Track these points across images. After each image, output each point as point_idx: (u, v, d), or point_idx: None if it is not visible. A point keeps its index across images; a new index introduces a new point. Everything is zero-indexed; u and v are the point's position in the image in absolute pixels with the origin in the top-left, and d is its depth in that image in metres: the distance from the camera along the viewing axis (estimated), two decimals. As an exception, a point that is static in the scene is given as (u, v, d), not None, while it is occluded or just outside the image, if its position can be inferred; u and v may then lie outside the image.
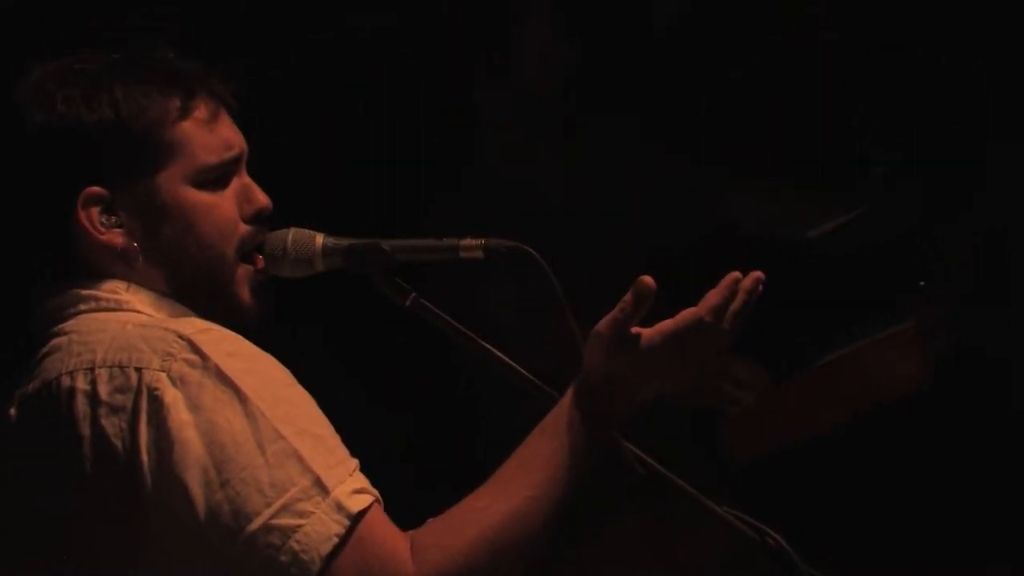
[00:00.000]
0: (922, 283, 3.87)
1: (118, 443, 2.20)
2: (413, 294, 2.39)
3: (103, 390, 2.22)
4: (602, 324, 2.27)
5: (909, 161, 3.98)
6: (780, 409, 3.92)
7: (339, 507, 2.17)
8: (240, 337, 2.28)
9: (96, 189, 2.33)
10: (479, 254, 2.39)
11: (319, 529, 2.16)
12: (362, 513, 2.18)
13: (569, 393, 2.29)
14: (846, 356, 3.85)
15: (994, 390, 3.97)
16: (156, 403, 2.19)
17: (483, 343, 2.38)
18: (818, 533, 2.90)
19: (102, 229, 2.34)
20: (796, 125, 4.17)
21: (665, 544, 3.98)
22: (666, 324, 2.27)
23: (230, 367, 2.21)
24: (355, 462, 2.23)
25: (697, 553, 3.95)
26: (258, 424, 2.18)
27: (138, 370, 2.22)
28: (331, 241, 2.42)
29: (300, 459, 2.18)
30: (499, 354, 2.37)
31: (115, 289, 2.34)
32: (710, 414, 3.97)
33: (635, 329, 2.26)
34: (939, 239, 3.94)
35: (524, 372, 2.38)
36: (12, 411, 2.32)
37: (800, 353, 3.92)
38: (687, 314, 2.27)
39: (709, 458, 3.89)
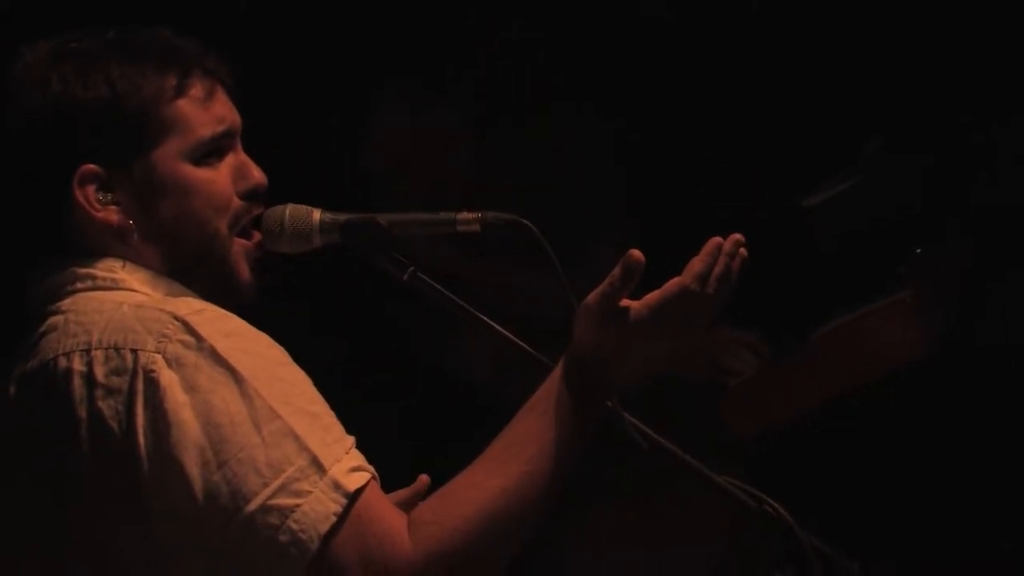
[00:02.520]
0: (919, 251, 3.88)
1: (115, 425, 2.20)
2: (411, 268, 2.39)
3: (99, 372, 2.22)
4: (591, 297, 2.28)
5: (905, 140, 3.99)
6: (780, 381, 3.93)
7: (336, 486, 2.17)
8: (235, 316, 2.28)
9: (92, 167, 2.33)
10: (476, 227, 2.39)
11: (317, 508, 2.16)
12: (359, 491, 2.18)
13: (559, 367, 2.29)
14: (845, 326, 3.85)
15: (994, 361, 3.99)
16: (152, 385, 2.19)
17: (481, 316, 2.38)
18: (820, 507, 2.90)
19: (98, 207, 2.34)
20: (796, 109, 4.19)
21: (647, 531, 4.00)
22: (652, 296, 2.27)
23: (225, 347, 2.21)
24: (351, 439, 2.23)
25: (681, 540, 3.97)
26: (254, 404, 2.18)
27: (134, 352, 2.22)
28: (328, 216, 2.41)
29: (296, 438, 2.18)
30: (496, 326, 2.38)
31: (111, 268, 2.34)
32: (710, 387, 3.98)
33: (624, 302, 2.27)
34: (938, 209, 3.95)
35: (522, 344, 2.38)
36: (11, 389, 2.32)
37: (799, 324, 3.93)
38: (672, 284, 2.28)
39: (709, 431, 3.90)
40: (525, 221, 2.35)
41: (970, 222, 3.94)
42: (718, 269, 2.28)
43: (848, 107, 4.11)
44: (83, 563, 2.25)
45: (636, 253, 2.25)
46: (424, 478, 2.44)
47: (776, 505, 2.30)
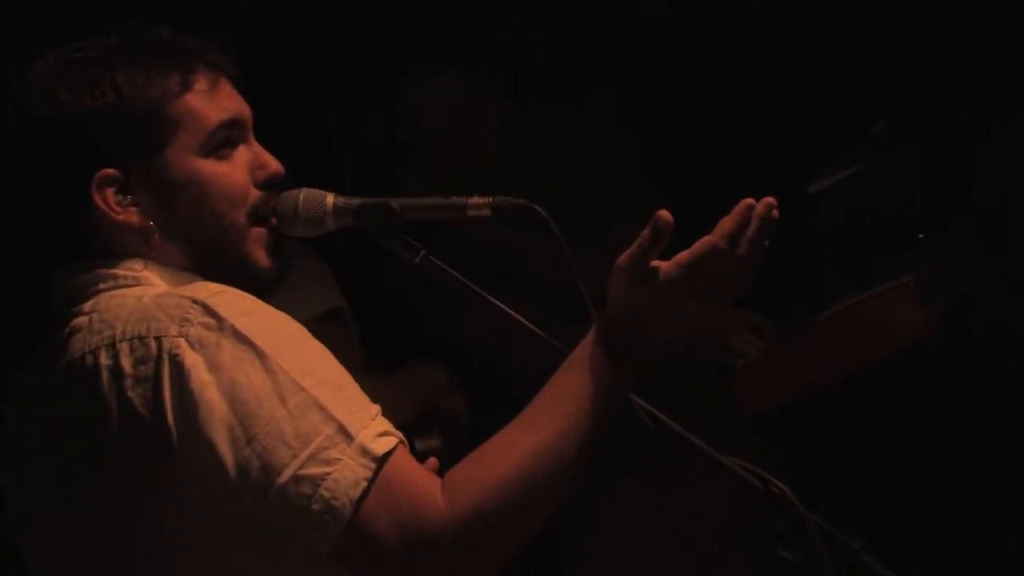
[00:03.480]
0: (922, 236, 3.90)
1: (145, 412, 2.23)
2: (423, 252, 2.42)
3: (126, 363, 2.26)
4: (622, 259, 2.28)
5: (907, 126, 4.01)
6: (786, 362, 3.95)
7: (364, 451, 2.20)
8: (252, 296, 2.31)
9: (109, 171, 2.36)
10: (487, 212, 2.41)
11: (347, 475, 2.19)
12: (387, 455, 2.20)
13: (594, 328, 2.30)
14: (849, 309, 3.86)
15: (997, 343, 4.01)
16: (177, 368, 2.23)
17: (492, 299, 2.41)
18: (825, 488, 2.93)
19: (118, 209, 2.37)
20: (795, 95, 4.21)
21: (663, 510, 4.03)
22: (683, 254, 2.27)
23: (245, 325, 2.24)
24: (376, 407, 2.26)
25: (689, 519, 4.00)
26: (278, 378, 2.21)
27: (157, 339, 2.25)
28: (342, 201, 2.44)
29: (322, 408, 2.21)
30: (508, 309, 2.40)
31: (132, 267, 2.38)
32: (718, 367, 4.01)
33: (654, 262, 2.27)
34: (940, 195, 3.97)
35: (533, 327, 2.40)
36: (40, 390, 2.36)
37: (805, 306, 3.95)
38: (701, 242, 2.27)
39: (717, 411, 3.93)
40: (535, 206, 2.37)
41: (972, 209, 3.96)
42: (751, 232, 2.27)
43: (850, 99, 4.13)
44: (118, 556, 2.29)
45: (664, 214, 2.25)
46: None
47: (781, 485, 2.31)
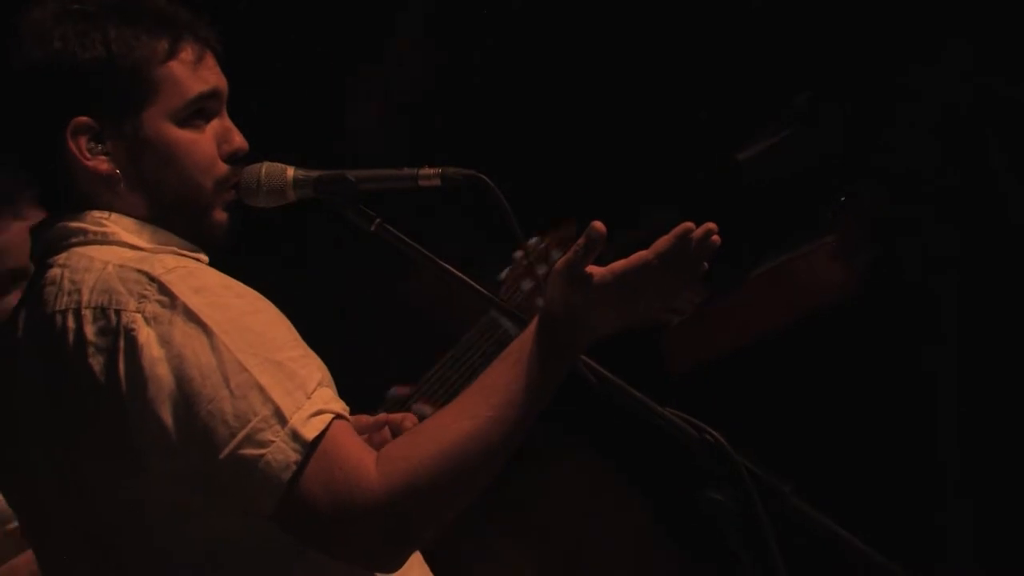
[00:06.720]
0: (843, 198, 4.02)
1: (103, 380, 2.37)
2: (378, 220, 2.52)
3: (89, 331, 2.39)
4: (560, 262, 2.37)
5: (828, 92, 4.12)
6: (717, 319, 4.06)
7: (295, 436, 2.31)
8: (208, 270, 2.43)
9: (85, 119, 2.48)
10: (437, 182, 2.51)
11: (279, 458, 2.30)
12: (319, 438, 2.31)
13: (532, 324, 2.39)
14: (775, 268, 3.98)
15: (915, 301, 4.15)
16: (132, 342, 2.35)
17: (445, 265, 2.50)
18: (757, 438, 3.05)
19: (89, 156, 2.49)
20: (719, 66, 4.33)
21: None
22: (618, 264, 2.35)
23: (196, 304, 2.36)
24: (316, 380, 2.36)
25: None
26: (223, 357, 2.33)
27: (117, 312, 2.38)
28: (301, 173, 2.56)
29: (261, 390, 2.32)
30: (461, 275, 2.50)
31: (99, 220, 2.49)
32: (652, 326, 4.13)
33: (589, 268, 2.36)
34: (860, 157, 4.10)
35: (485, 292, 2.50)
36: (20, 335, 2.49)
37: (733, 267, 4.08)
38: (637, 256, 2.35)
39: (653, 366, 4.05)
40: (483, 176, 2.47)
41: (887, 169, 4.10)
42: (686, 254, 2.35)
43: (774, 68, 4.25)
44: (93, 507, 2.42)
45: (598, 224, 2.33)
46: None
47: (715, 433, 2.41)
